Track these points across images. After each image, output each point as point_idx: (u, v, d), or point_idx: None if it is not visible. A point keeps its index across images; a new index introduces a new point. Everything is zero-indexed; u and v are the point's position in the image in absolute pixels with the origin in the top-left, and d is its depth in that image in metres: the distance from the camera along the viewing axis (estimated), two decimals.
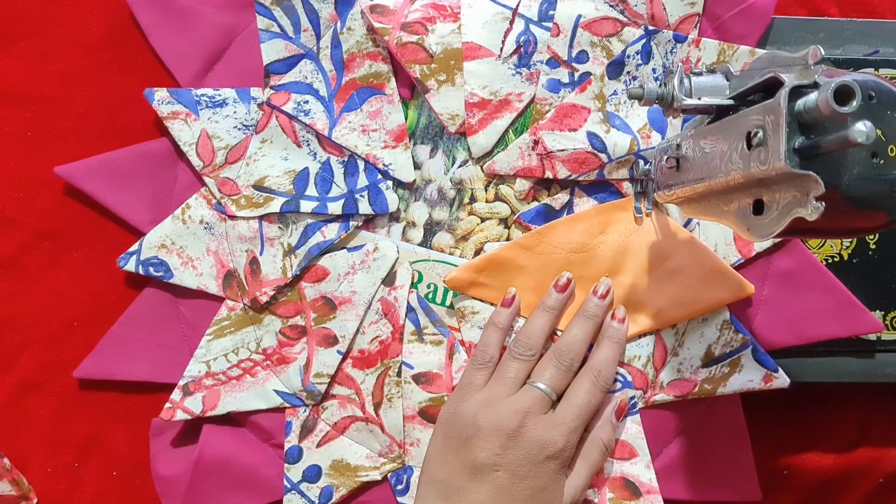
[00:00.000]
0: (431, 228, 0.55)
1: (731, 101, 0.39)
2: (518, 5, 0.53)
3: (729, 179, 0.38)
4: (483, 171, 0.54)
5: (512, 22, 0.53)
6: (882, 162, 0.34)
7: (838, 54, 0.56)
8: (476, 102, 0.53)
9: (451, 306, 0.55)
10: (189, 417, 0.54)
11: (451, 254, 0.55)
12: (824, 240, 0.55)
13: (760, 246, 0.54)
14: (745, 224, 0.38)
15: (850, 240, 0.56)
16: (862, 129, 0.30)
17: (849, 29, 0.56)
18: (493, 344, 0.52)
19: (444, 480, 0.48)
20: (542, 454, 0.47)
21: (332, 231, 0.54)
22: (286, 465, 0.55)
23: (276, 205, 0.54)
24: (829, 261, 0.55)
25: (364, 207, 0.54)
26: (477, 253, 0.55)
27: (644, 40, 0.54)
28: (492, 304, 0.54)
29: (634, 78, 0.54)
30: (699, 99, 0.40)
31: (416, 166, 0.55)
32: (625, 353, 0.53)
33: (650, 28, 0.54)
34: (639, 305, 0.53)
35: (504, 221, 0.55)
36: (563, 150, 0.53)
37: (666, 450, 0.54)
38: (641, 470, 0.53)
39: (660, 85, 0.41)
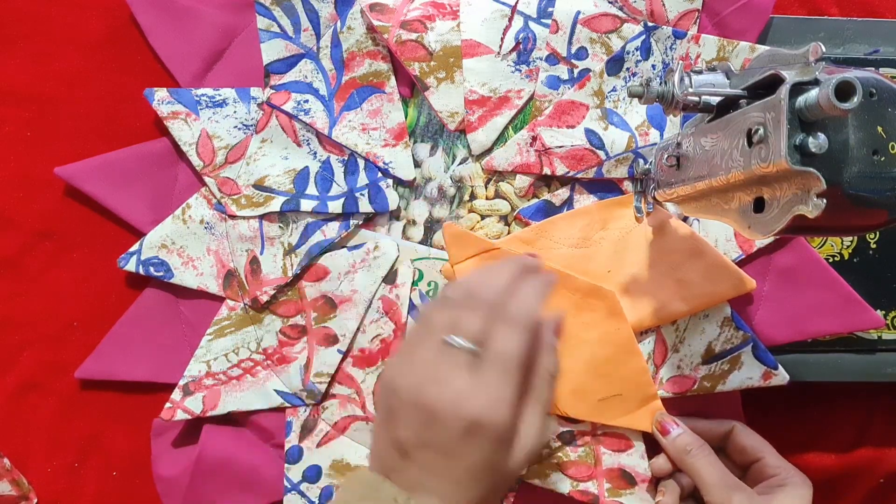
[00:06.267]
0: (432, 226, 0.55)
1: (739, 92, 0.39)
2: (517, 2, 0.53)
3: (730, 177, 0.38)
4: (482, 168, 0.54)
5: (511, 19, 0.54)
6: (883, 159, 0.34)
7: (838, 53, 0.56)
8: (475, 100, 0.53)
9: None
10: (189, 417, 0.54)
11: None
12: (825, 238, 0.55)
13: (761, 242, 0.54)
14: (745, 222, 0.38)
15: (851, 239, 0.56)
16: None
17: (849, 28, 0.56)
18: None
19: (382, 455, 0.40)
20: (462, 427, 0.38)
21: (332, 230, 0.54)
22: (286, 465, 0.55)
23: (276, 204, 0.54)
24: (830, 260, 0.55)
25: (364, 206, 0.54)
26: None
27: (643, 36, 0.54)
28: None
29: (634, 74, 0.54)
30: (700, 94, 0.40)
31: (417, 164, 0.55)
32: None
33: (649, 24, 0.54)
34: (639, 301, 0.53)
35: (504, 219, 0.55)
36: (560, 147, 0.53)
37: None
38: (637, 461, 0.54)
39: (660, 83, 0.41)
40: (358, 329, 0.54)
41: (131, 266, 0.55)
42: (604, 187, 0.54)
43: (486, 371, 0.38)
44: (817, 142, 0.32)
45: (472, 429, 0.37)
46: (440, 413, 0.38)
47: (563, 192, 0.54)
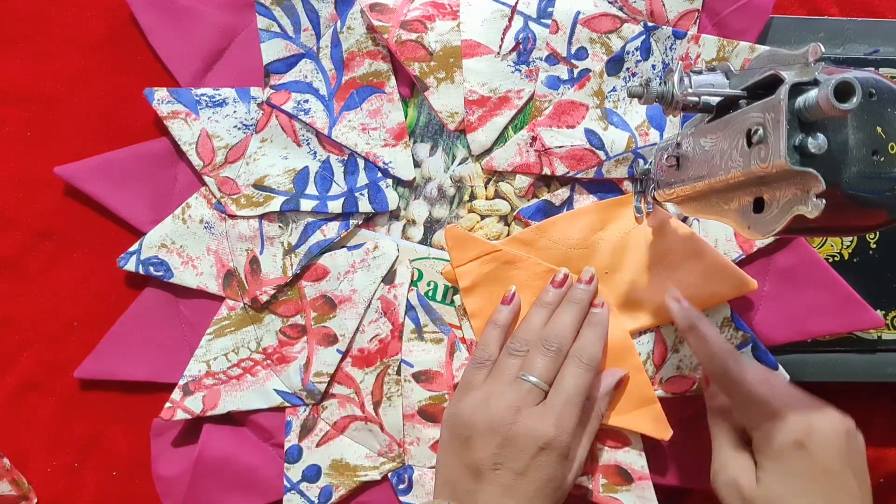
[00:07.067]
0: (431, 226, 0.55)
1: (738, 92, 0.39)
2: (517, 2, 0.53)
3: (729, 177, 0.38)
4: (482, 169, 0.54)
5: (511, 19, 0.53)
6: (882, 159, 0.34)
7: (838, 53, 0.56)
8: (475, 100, 0.53)
9: (453, 303, 0.55)
10: (189, 417, 0.54)
11: None
12: (825, 238, 0.55)
13: (762, 242, 0.54)
14: (745, 222, 0.38)
15: (851, 239, 0.56)
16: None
17: (849, 28, 0.56)
18: (493, 342, 0.52)
19: (453, 482, 0.48)
20: (536, 446, 0.47)
21: (332, 230, 0.54)
22: (286, 464, 0.55)
23: (276, 204, 0.54)
24: (830, 260, 0.55)
25: (364, 206, 0.54)
26: None
27: (643, 37, 0.54)
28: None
29: (634, 74, 0.54)
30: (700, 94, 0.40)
31: (416, 164, 0.55)
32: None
33: (649, 24, 0.54)
34: (639, 302, 0.53)
35: (504, 219, 0.55)
36: (560, 147, 0.53)
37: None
38: (634, 458, 0.54)
39: (660, 83, 0.41)
40: (357, 329, 0.54)
41: (131, 266, 0.55)
42: (604, 187, 0.54)
43: (554, 401, 0.48)
44: (817, 142, 0.32)
45: (543, 447, 0.46)
46: (516, 436, 0.46)
47: (563, 193, 0.54)
